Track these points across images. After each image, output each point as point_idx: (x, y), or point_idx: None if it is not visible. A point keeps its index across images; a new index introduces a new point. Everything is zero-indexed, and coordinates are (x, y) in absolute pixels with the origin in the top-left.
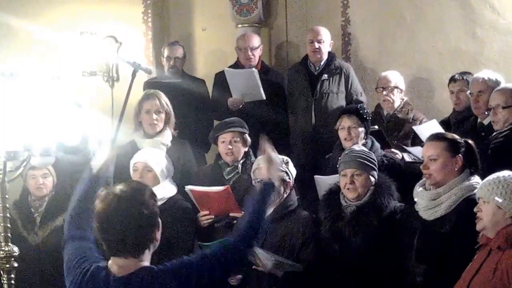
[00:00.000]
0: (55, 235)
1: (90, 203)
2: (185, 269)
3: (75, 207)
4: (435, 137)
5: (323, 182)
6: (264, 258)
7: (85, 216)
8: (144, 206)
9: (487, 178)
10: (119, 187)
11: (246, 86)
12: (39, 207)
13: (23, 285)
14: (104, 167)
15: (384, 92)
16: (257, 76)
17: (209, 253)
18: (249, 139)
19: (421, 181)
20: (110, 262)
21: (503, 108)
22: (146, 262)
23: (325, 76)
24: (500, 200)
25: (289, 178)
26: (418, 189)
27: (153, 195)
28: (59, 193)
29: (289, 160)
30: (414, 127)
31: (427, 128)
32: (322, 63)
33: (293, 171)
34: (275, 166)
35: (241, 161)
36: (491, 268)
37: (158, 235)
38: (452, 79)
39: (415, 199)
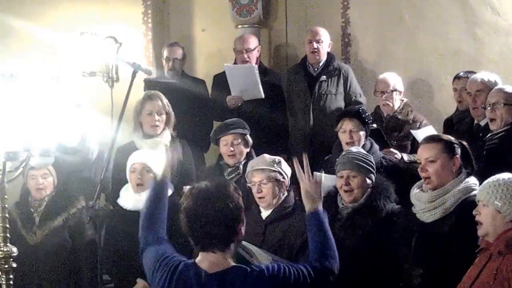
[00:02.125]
0: (54, 235)
1: (159, 208)
2: (282, 275)
3: (146, 214)
4: (431, 139)
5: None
6: (262, 258)
7: (156, 220)
8: (230, 200)
9: (487, 181)
10: (203, 183)
11: (245, 82)
12: (39, 207)
13: (22, 285)
14: (167, 171)
15: (384, 97)
16: (257, 72)
17: (303, 267)
18: (250, 139)
19: (417, 183)
20: (199, 258)
21: (504, 104)
22: (232, 259)
23: (324, 77)
24: (499, 204)
25: (283, 178)
26: (415, 191)
27: (236, 189)
28: (58, 193)
29: (281, 159)
30: (412, 131)
31: (424, 133)
32: (321, 64)
33: (287, 170)
34: (312, 191)
35: (243, 162)
36: (492, 274)
37: (243, 229)
38: (457, 77)
39: (412, 201)
